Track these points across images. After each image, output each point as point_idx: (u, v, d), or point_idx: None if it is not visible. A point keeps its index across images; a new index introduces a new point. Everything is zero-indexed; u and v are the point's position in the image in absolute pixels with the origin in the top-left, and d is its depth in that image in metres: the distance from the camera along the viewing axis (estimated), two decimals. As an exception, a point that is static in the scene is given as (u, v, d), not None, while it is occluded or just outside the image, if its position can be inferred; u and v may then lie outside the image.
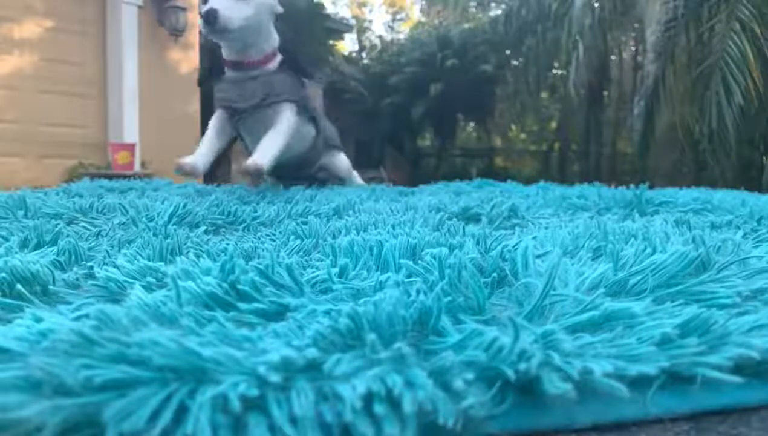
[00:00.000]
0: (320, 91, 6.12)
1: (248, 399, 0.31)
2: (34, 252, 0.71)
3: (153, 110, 4.64)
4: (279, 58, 1.71)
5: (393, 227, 0.89)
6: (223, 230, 0.98)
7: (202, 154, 1.60)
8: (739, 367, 0.39)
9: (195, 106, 4.96)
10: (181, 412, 0.31)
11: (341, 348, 0.38)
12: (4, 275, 0.55)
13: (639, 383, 0.37)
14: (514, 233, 0.90)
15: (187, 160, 1.52)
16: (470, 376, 0.34)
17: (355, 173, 2.11)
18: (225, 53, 1.67)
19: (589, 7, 6.18)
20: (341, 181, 2.03)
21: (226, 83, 1.70)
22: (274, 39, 1.71)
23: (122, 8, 4.61)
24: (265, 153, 1.53)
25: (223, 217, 1.01)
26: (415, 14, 12.57)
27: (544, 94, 8.66)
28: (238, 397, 0.31)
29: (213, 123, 1.71)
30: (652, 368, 0.38)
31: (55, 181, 3.32)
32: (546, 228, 0.94)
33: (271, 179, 1.88)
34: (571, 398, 0.35)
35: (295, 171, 1.87)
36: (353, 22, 9.92)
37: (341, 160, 2.06)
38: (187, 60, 5.10)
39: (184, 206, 1.05)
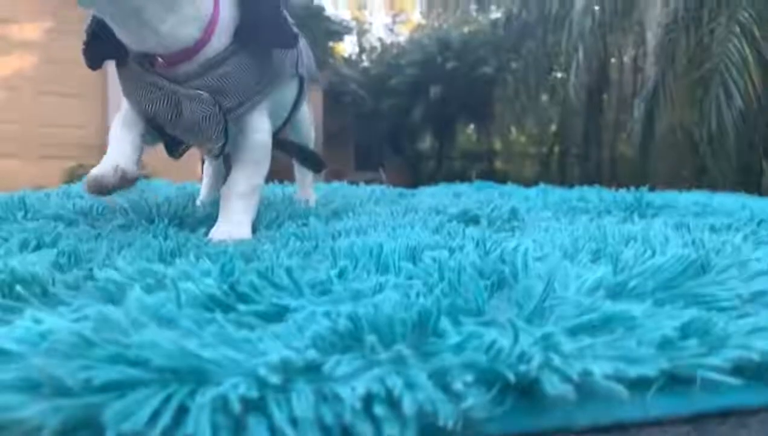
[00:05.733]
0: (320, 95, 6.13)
1: (248, 400, 0.31)
2: (33, 253, 0.71)
3: (153, 112, 4.62)
4: (223, 24, 0.91)
5: (393, 229, 0.89)
6: (223, 231, 0.97)
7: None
8: (739, 369, 0.40)
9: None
10: (181, 413, 0.31)
11: (341, 350, 0.38)
12: (3, 276, 0.54)
13: (639, 385, 0.37)
14: (513, 236, 0.90)
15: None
16: (470, 377, 0.34)
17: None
18: (117, 33, 0.88)
19: (589, 10, 6.19)
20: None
21: (133, 80, 0.94)
22: None
23: (123, 10, 4.60)
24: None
25: (223, 218, 1.01)
26: (415, 16, 12.58)
27: (544, 97, 8.66)
28: (238, 398, 0.31)
29: (120, 123, 0.96)
30: (652, 370, 0.38)
31: (54, 182, 3.32)
32: (546, 231, 0.94)
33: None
34: (570, 400, 0.35)
35: None
36: (353, 24, 9.93)
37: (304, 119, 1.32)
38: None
39: (184, 208, 1.05)
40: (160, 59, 0.89)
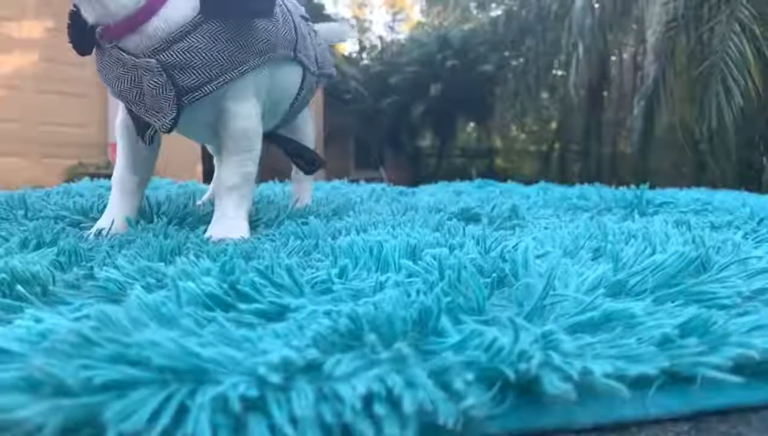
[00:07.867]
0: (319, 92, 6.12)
1: (248, 399, 0.31)
2: (34, 253, 0.71)
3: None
4: None
5: (393, 227, 0.89)
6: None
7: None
8: (740, 367, 0.39)
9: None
10: (181, 412, 0.31)
11: (341, 349, 0.38)
12: (4, 275, 0.54)
13: (639, 384, 0.37)
14: (514, 234, 0.90)
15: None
16: (470, 376, 0.34)
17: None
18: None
19: (590, 8, 6.19)
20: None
21: (103, 59, 0.92)
22: None
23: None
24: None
25: (223, 217, 1.01)
26: (416, 14, 12.57)
27: (544, 95, 8.66)
28: (238, 397, 0.31)
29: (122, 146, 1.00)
30: (652, 369, 0.38)
31: (55, 181, 3.32)
32: (546, 228, 0.94)
33: None
34: (570, 399, 0.35)
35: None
36: (353, 22, 9.92)
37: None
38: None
39: (185, 207, 1.05)
40: (106, 30, 0.87)
